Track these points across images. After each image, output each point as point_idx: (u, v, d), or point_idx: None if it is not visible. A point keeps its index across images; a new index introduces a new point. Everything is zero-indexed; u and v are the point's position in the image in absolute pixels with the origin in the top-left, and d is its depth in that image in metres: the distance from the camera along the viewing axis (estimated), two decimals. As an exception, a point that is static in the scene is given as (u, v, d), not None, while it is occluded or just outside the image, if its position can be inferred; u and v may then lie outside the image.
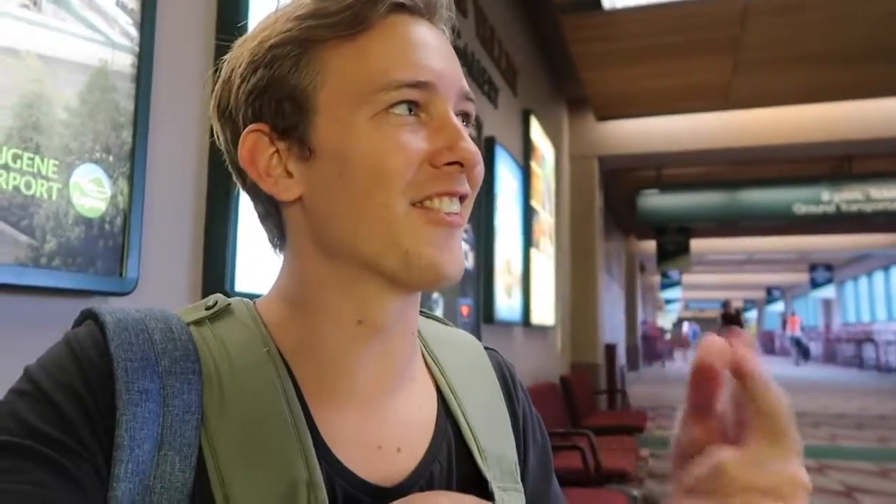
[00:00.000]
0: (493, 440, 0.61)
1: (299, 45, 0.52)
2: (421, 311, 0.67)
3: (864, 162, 9.23)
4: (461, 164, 0.52)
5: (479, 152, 0.54)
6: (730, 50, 5.96)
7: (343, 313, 0.54)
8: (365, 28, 0.52)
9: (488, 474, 0.58)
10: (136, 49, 1.46)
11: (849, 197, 8.89)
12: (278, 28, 0.53)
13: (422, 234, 0.51)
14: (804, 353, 25.06)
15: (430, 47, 0.53)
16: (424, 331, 0.65)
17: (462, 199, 0.54)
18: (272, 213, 0.57)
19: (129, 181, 1.42)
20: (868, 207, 8.88)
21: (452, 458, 0.58)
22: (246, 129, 0.54)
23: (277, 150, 0.54)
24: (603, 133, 8.19)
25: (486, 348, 0.70)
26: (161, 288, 1.57)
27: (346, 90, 0.51)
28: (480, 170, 0.55)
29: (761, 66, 6.32)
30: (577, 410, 5.38)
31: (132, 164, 1.43)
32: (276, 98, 0.53)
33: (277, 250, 0.59)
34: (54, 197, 1.25)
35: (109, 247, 1.37)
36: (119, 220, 1.40)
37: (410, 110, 0.52)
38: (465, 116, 0.56)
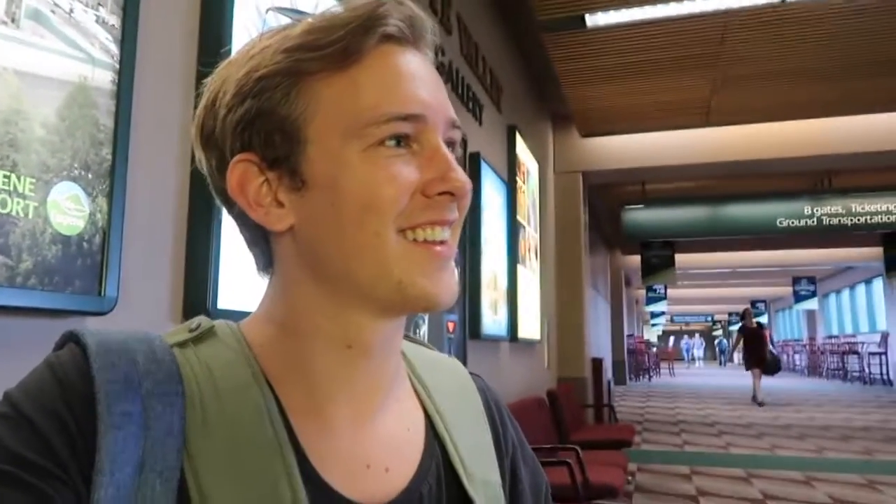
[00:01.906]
0: (479, 464, 0.61)
1: (289, 76, 0.53)
2: (405, 336, 0.67)
3: (845, 177, 9.37)
4: (452, 194, 0.53)
5: (469, 181, 0.55)
6: (711, 67, 6.05)
7: (332, 338, 0.54)
8: (355, 60, 0.53)
9: (476, 498, 0.58)
10: (117, 65, 1.45)
11: (831, 211, 9.02)
12: (266, 60, 0.53)
13: (414, 264, 0.52)
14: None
15: (419, 78, 0.54)
16: (410, 354, 0.65)
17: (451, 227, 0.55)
18: (260, 240, 0.57)
19: (109, 199, 1.41)
20: (849, 221, 9.01)
21: (441, 479, 0.58)
22: (234, 159, 0.54)
23: (267, 180, 0.54)
24: (587, 148, 8.26)
25: (470, 374, 0.70)
26: (141, 307, 1.55)
27: (337, 122, 0.52)
28: (469, 196, 0.56)
29: (742, 83, 6.41)
30: (565, 425, 5.36)
31: (112, 182, 1.41)
32: (265, 129, 0.53)
33: (263, 273, 0.59)
34: (31, 215, 1.24)
35: (88, 265, 1.35)
36: (98, 239, 1.38)
37: (400, 142, 0.52)
38: (451, 144, 0.57)
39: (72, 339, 0.51)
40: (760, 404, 12.37)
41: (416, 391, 0.63)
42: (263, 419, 0.51)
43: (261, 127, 0.53)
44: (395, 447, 0.57)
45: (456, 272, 0.56)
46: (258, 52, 0.54)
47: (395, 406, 0.59)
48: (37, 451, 0.44)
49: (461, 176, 0.53)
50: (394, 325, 0.56)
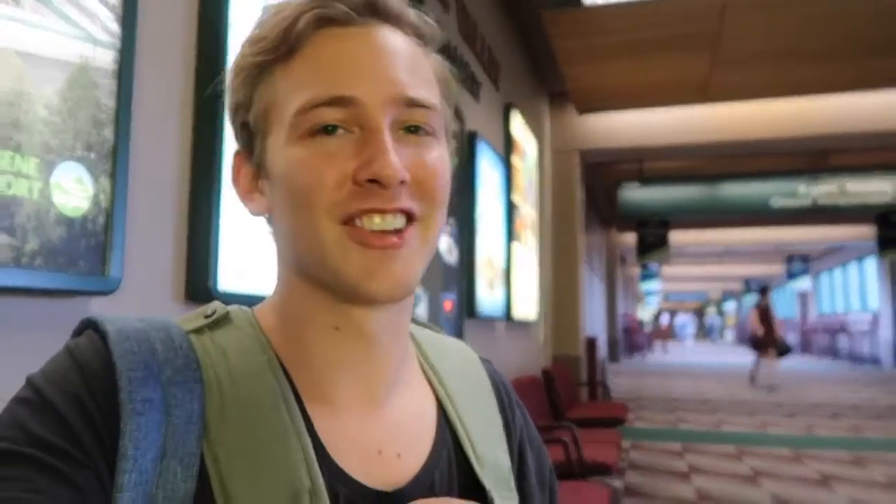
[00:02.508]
0: (489, 448, 0.61)
1: (251, 70, 0.54)
2: (415, 321, 0.68)
3: (840, 156, 9.38)
4: (379, 182, 0.50)
5: (400, 170, 0.50)
6: (709, 45, 6.01)
7: (319, 321, 0.55)
8: (295, 48, 0.53)
9: (486, 482, 0.58)
10: (118, 45, 1.44)
11: (825, 191, 9.04)
12: (239, 54, 0.56)
13: (348, 255, 0.50)
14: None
15: (358, 57, 0.52)
16: (420, 338, 0.66)
17: (409, 216, 0.52)
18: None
19: (112, 179, 1.41)
20: (843, 201, 9.04)
21: (452, 464, 0.59)
22: (235, 151, 0.58)
23: (253, 170, 0.57)
24: (584, 127, 8.23)
25: (480, 358, 0.70)
26: (145, 287, 1.56)
27: (281, 114, 0.53)
28: (435, 182, 0.53)
29: (740, 61, 6.38)
30: (560, 403, 5.42)
31: (114, 162, 1.41)
32: (239, 122, 0.56)
33: None
34: (35, 196, 1.24)
35: (92, 246, 1.36)
36: (101, 219, 1.38)
37: (335, 129, 0.51)
38: (418, 127, 0.53)
39: (90, 325, 0.52)
40: (773, 389, 11.42)
41: (426, 375, 0.63)
42: (279, 405, 0.51)
43: (238, 120, 0.56)
44: (407, 433, 0.57)
45: (414, 264, 0.53)
46: (243, 44, 0.56)
47: (405, 391, 0.59)
48: (60, 435, 0.45)
49: (390, 161, 0.49)
50: (380, 310, 0.54)
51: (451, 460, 0.59)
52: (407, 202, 0.52)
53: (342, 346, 0.55)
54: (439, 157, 0.54)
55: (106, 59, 1.41)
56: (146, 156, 1.56)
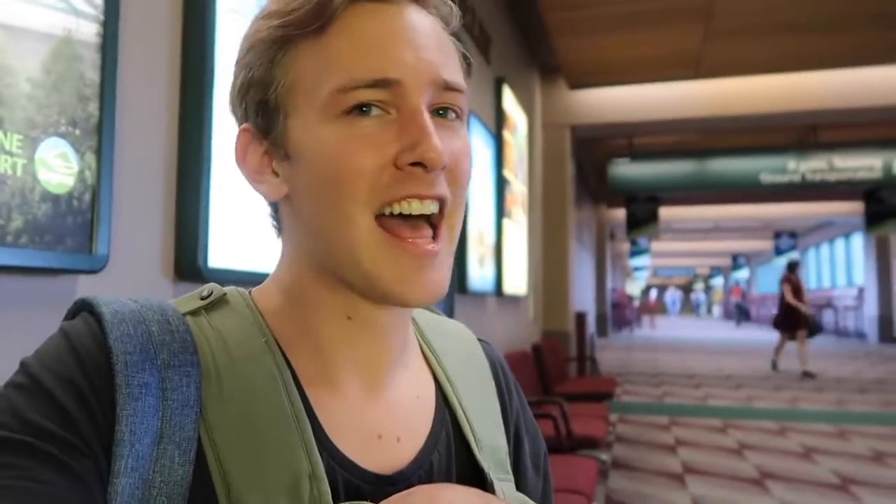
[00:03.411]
0: (487, 430, 0.61)
1: (271, 45, 0.52)
2: None
3: (829, 132, 9.40)
4: (424, 165, 0.49)
5: (444, 152, 0.50)
6: (701, 18, 5.97)
7: (333, 309, 0.54)
8: (327, 23, 0.50)
9: (485, 464, 0.58)
10: (101, 17, 1.41)
11: (814, 167, 9.08)
12: (254, 27, 0.53)
13: (384, 259, 0.49)
14: (745, 314, 29.60)
15: (397, 37, 0.50)
16: (419, 319, 0.65)
17: (442, 203, 0.51)
18: (271, 207, 0.58)
19: (97, 155, 1.38)
20: (832, 177, 9.08)
21: (451, 447, 0.58)
22: (240, 127, 0.55)
23: (266, 150, 0.54)
24: (575, 102, 8.19)
25: (478, 340, 0.70)
26: (133, 265, 1.54)
27: (311, 92, 0.50)
28: (463, 168, 0.53)
29: (732, 35, 6.36)
30: (549, 378, 5.47)
31: (100, 138, 1.39)
32: (255, 99, 0.53)
33: (279, 240, 0.59)
34: (19, 173, 1.21)
35: (78, 223, 1.34)
36: (87, 196, 1.36)
37: (372, 109, 0.49)
38: (447, 109, 0.53)
39: (85, 307, 0.51)
40: (810, 375, 9.84)
41: (425, 357, 0.63)
42: (278, 388, 0.51)
43: (252, 97, 0.53)
44: (406, 416, 0.57)
45: (447, 267, 0.53)
46: (258, 17, 0.53)
47: (405, 374, 0.59)
48: (55, 421, 0.44)
49: (434, 144, 0.48)
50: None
51: (450, 442, 0.59)
52: (443, 189, 0.51)
53: (351, 333, 0.54)
54: (465, 145, 0.54)
55: (89, 31, 1.38)
56: (132, 131, 1.53)
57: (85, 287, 1.40)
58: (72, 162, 1.33)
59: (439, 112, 0.52)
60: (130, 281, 1.52)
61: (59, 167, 1.30)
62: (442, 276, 0.52)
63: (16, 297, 1.28)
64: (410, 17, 0.52)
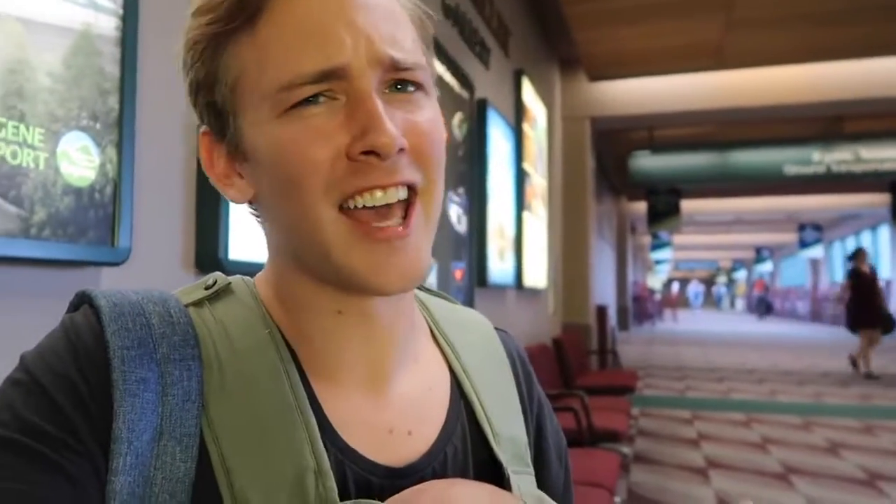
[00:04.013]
0: (505, 421, 0.59)
1: (206, 44, 0.49)
2: (427, 289, 0.65)
3: (855, 122, 9.23)
4: (378, 154, 0.46)
5: (415, 127, 0.47)
6: (722, 8, 5.88)
7: (320, 305, 0.52)
8: (255, 14, 0.47)
9: (502, 457, 0.56)
10: (120, 11, 1.42)
11: (839, 157, 8.92)
12: (187, 25, 0.50)
13: (351, 247, 0.47)
14: (767, 308, 29.91)
15: (333, 18, 0.46)
16: (432, 309, 0.63)
17: (411, 188, 0.48)
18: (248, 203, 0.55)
19: (118, 149, 1.39)
20: (858, 168, 8.91)
21: (467, 439, 0.57)
22: (200, 131, 0.52)
23: (227, 152, 0.51)
24: (595, 93, 8.12)
25: (496, 329, 0.68)
26: (154, 257, 1.55)
27: (254, 90, 0.48)
28: (431, 144, 0.49)
29: (754, 25, 6.26)
30: (570, 371, 5.44)
31: (120, 131, 1.40)
32: (204, 101, 0.51)
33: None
34: (42, 166, 1.23)
35: (100, 216, 1.35)
36: (109, 189, 1.37)
37: (321, 97, 0.46)
38: (405, 83, 0.49)
39: (85, 300, 0.50)
40: (873, 377, 8.89)
41: (439, 347, 0.61)
42: (282, 381, 0.49)
43: (202, 99, 0.51)
44: (418, 409, 0.55)
45: (423, 249, 0.50)
46: (189, 14, 0.50)
47: (414, 366, 0.57)
48: (51, 420, 0.43)
49: (386, 128, 0.45)
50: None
51: (465, 434, 0.57)
52: (408, 173, 0.48)
53: (345, 328, 0.52)
54: (432, 116, 0.50)
55: (108, 25, 1.39)
56: (153, 124, 1.54)
57: (108, 279, 1.41)
58: (93, 155, 1.34)
59: (397, 86, 0.49)
60: (152, 273, 1.53)
61: (80, 160, 1.31)
62: (417, 258, 0.49)
63: (40, 289, 1.29)
64: None
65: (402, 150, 0.47)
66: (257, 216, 0.55)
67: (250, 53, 0.48)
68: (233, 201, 0.53)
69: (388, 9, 0.49)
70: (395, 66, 0.48)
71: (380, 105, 0.46)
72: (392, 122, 0.46)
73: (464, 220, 3.87)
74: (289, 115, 0.47)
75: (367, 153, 0.46)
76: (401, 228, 0.48)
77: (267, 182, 0.49)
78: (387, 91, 0.48)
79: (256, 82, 0.47)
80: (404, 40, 0.49)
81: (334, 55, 0.46)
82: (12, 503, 0.41)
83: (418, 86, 0.50)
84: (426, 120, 0.50)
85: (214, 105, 0.50)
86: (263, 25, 0.47)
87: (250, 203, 0.54)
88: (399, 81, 0.49)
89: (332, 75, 0.46)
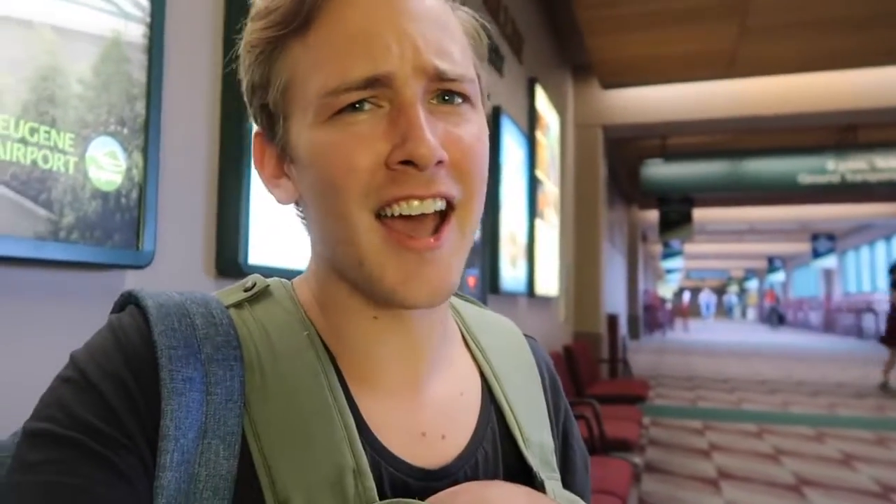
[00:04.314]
0: (534, 426, 0.60)
1: (263, 48, 0.50)
2: (460, 295, 0.66)
3: (870, 131, 9.16)
4: (416, 164, 0.46)
5: (459, 140, 0.47)
6: (736, 15, 5.88)
7: (356, 310, 0.53)
8: (309, 19, 0.48)
9: (532, 462, 0.57)
10: (148, 19, 1.44)
11: (854, 167, 8.85)
12: (246, 30, 0.52)
13: (384, 256, 0.48)
14: (779, 319, 30.19)
15: (383, 26, 0.47)
16: (465, 314, 0.64)
17: (449, 201, 0.49)
18: (296, 205, 0.57)
19: (144, 154, 1.42)
20: (873, 177, 8.84)
21: (497, 443, 0.57)
22: (255, 132, 0.54)
23: (278, 154, 0.53)
24: (608, 101, 8.12)
25: (525, 336, 0.69)
26: (177, 261, 1.57)
27: (303, 94, 0.49)
28: (474, 157, 0.49)
29: (768, 33, 6.24)
30: (581, 380, 5.43)
31: (146, 137, 1.42)
32: (258, 104, 0.52)
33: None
34: (71, 170, 1.25)
35: (126, 220, 1.37)
36: (134, 194, 1.40)
37: (366, 104, 0.47)
38: (453, 94, 0.49)
39: (131, 300, 0.51)
40: (890, 390, 8.64)
41: (470, 352, 0.62)
42: (322, 383, 0.50)
43: (256, 101, 0.52)
44: (450, 413, 0.56)
45: (454, 265, 0.50)
46: (249, 18, 0.52)
47: (448, 370, 0.58)
48: (102, 417, 0.44)
49: (426, 139, 0.45)
50: None
51: (495, 438, 0.57)
52: (445, 186, 0.48)
53: (381, 333, 0.53)
54: (477, 130, 0.51)
55: (136, 33, 1.42)
56: (177, 130, 1.57)
57: (132, 282, 1.44)
58: (120, 160, 1.36)
59: (444, 97, 0.49)
60: (174, 277, 1.55)
61: (108, 165, 1.33)
62: (446, 273, 0.49)
63: (67, 291, 1.32)
64: (401, 1, 0.49)
65: (440, 162, 0.47)
66: (302, 218, 0.56)
67: (302, 58, 0.49)
68: (279, 202, 0.55)
69: (440, 19, 0.50)
70: (440, 77, 0.48)
71: (422, 114, 0.47)
72: (434, 133, 0.47)
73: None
74: (333, 120, 0.48)
75: (405, 163, 0.46)
76: (432, 240, 0.48)
77: (308, 184, 0.51)
78: (433, 101, 0.49)
79: (305, 86, 0.49)
80: (453, 51, 0.50)
81: (380, 62, 0.47)
82: (70, 498, 0.42)
83: (465, 98, 0.50)
84: (469, 134, 0.50)
85: (267, 107, 0.52)
86: (315, 31, 0.48)
87: (296, 205, 0.55)
88: (446, 92, 0.49)
89: (377, 82, 0.47)
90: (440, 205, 0.48)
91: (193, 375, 0.47)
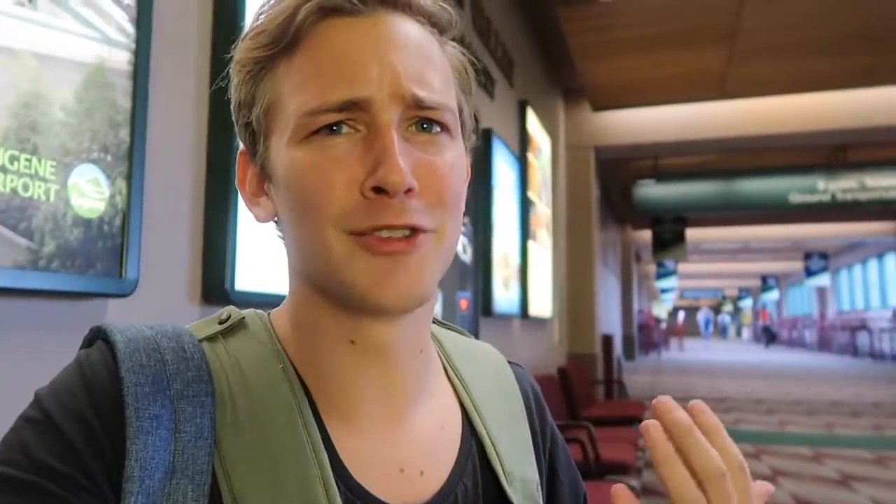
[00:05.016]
0: (517, 460, 0.59)
1: (251, 67, 0.52)
2: (441, 322, 0.65)
3: (859, 151, 9.25)
4: (387, 191, 0.46)
5: (433, 168, 0.48)
6: (726, 38, 5.95)
7: (333, 334, 0.52)
8: (295, 42, 0.49)
9: (514, 498, 0.56)
10: (133, 46, 1.44)
11: (844, 186, 8.92)
12: (237, 49, 0.53)
13: (356, 264, 0.47)
14: (771, 337, 30.71)
15: (365, 52, 0.48)
16: (446, 343, 0.63)
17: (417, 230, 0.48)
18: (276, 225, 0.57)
19: (128, 181, 1.40)
20: (863, 196, 8.91)
21: (478, 478, 0.56)
22: (239, 150, 0.56)
23: (257, 172, 0.54)
24: (599, 123, 8.18)
25: (510, 363, 0.67)
26: (162, 289, 1.55)
27: (284, 113, 0.50)
28: (446, 187, 0.49)
29: (757, 55, 6.31)
30: (576, 401, 5.38)
31: (130, 164, 1.41)
32: (243, 122, 0.53)
33: None
34: (52, 198, 1.24)
35: (108, 248, 1.36)
36: (118, 221, 1.38)
37: (343, 127, 0.48)
38: (431, 123, 0.49)
39: (100, 335, 0.50)
40: None
41: (451, 382, 0.60)
42: (295, 419, 0.49)
43: (241, 119, 0.53)
44: (430, 448, 0.55)
45: (427, 272, 0.49)
46: (239, 38, 0.54)
47: (429, 402, 0.56)
48: (63, 459, 0.43)
49: (397, 165, 0.45)
50: (396, 322, 0.51)
51: (476, 473, 0.56)
52: (416, 217, 0.47)
53: (359, 361, 0.52)
54: (452, 159, 0.50)
55: (121, 59, 1.41)
56: (162, 156, 1.55)
57: (115, 311, 1.41)
58: (103, 187, 1.35)
59: (423, 126, 0.49)
60: (159, 305, 1.53)
61: (90, 192, 1.32)
62: (418, 277, 0.48)
63: (48, 321, 1.29)
64: (387, 29, 0.49)
65: (410, 190, 0.47)
66: (281, 237, 0.56)
67: (286, 78, 0.50)
68: (257, 220, 0.55)
69: (424, 49, 0.51)
70: (417, 104, 0.48)
71: (396, 140, 0.47)
72: (407, 159, 0.47)
73: (469, 249, 3.87)
74: (310, 140, 0.48)
75: (377, 190, 0.46)
76: (404, 244, 0.47)
77: (284, 203, 0.51)
78: (411, 129, 0.49)
79: (287, 106, 0.49)
80: (433, 81, 0.50)
81: (358, 87, 0.47)
82: None
83: (444, 127, 0.50)
84: (443, 162, 0.50)
85: (250, 125, 0.53)
86: (301, 53, 0.49)
87: (276, 223, 0.55)
88: (424, 120, 0.49)
89: (355, 106, 0.47)
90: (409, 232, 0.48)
91: (161, 413, 0.46)
